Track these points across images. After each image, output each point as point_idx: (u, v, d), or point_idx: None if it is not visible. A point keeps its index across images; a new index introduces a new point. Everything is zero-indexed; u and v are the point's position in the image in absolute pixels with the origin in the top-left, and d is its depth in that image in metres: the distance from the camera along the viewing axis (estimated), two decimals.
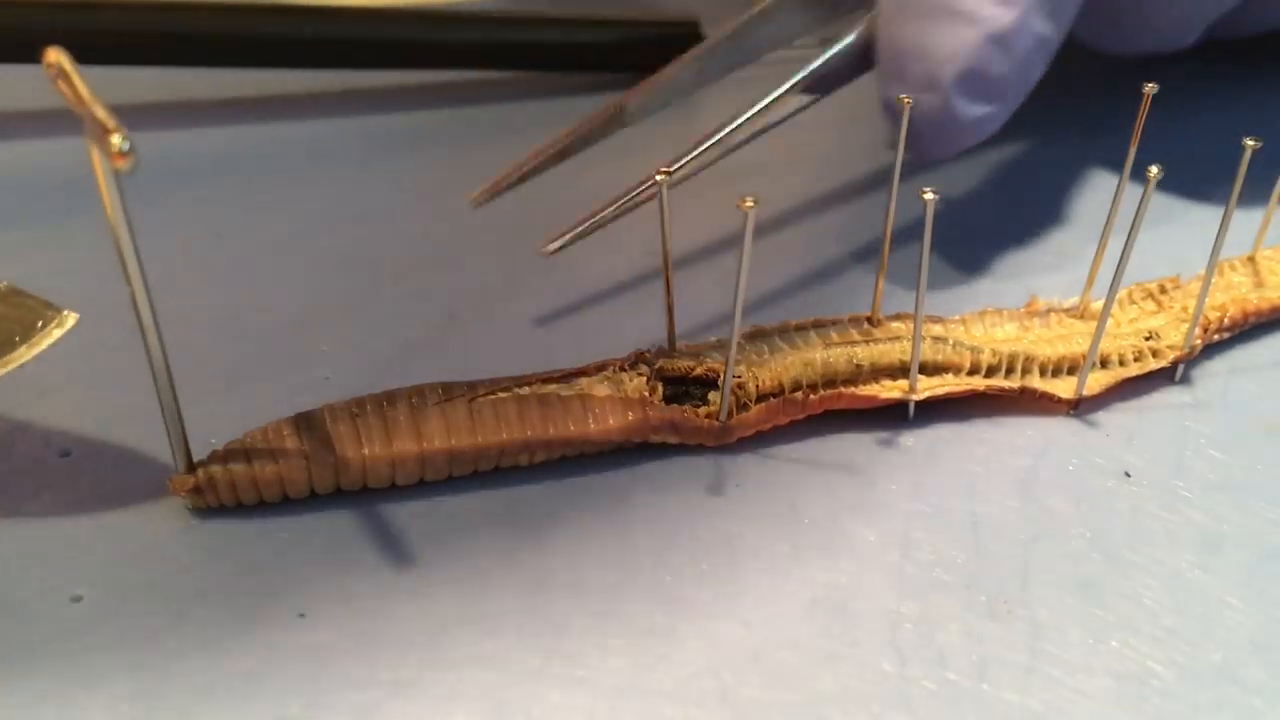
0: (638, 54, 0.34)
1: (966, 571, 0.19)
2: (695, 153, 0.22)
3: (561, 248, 0.20)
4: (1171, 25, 0.30)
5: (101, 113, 0.15)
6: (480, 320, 0.24)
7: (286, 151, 0.30)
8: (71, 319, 0.19)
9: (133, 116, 0.31)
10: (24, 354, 0.18)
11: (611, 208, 0.22)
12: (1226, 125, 0.33)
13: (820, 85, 0.23)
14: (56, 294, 0.19)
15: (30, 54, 0.28)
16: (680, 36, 0.34)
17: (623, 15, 0.34)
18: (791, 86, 0.23)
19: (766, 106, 0.23)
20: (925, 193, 0.19)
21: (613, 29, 0.33)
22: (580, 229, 0.21)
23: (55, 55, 0.15)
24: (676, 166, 0.22)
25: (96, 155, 0.15)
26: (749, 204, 0.18)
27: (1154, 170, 0.20)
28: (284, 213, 0.27)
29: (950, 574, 0.19)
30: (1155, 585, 0.19)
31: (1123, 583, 0.19)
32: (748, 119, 0.22)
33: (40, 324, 0.19)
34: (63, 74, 0.15)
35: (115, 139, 0.14)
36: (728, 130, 0.22)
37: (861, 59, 0.24)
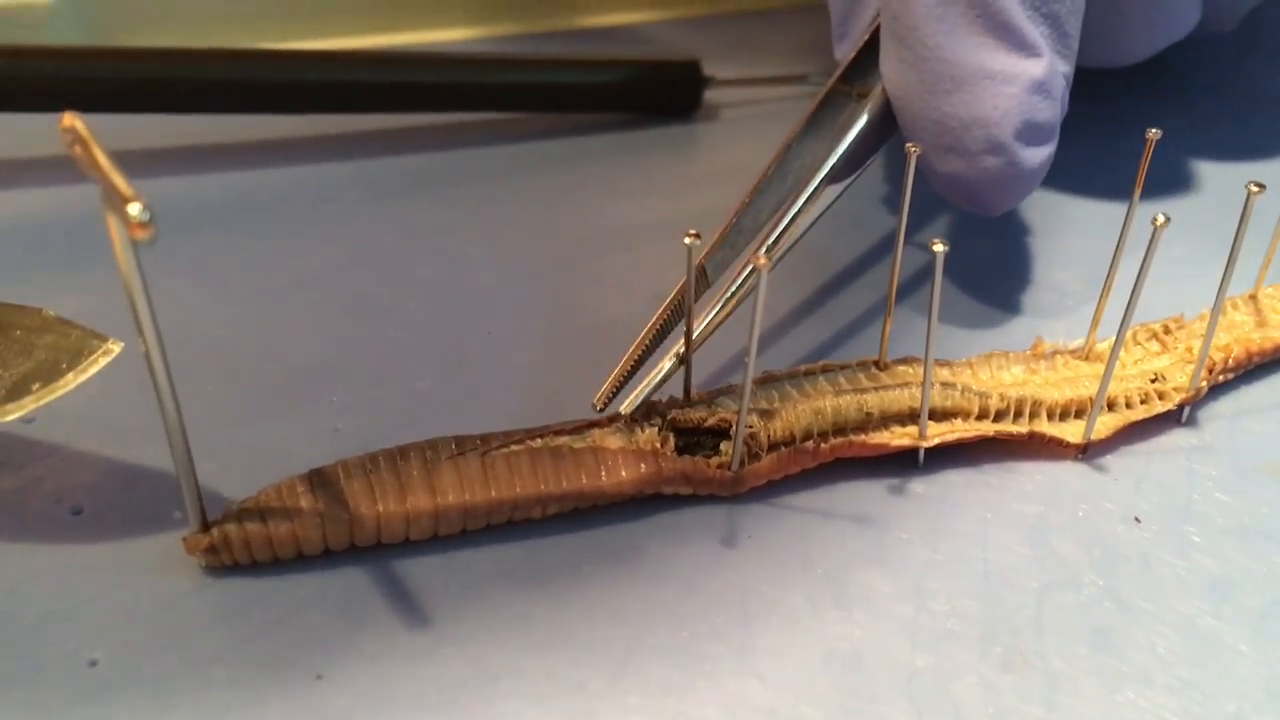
0: (640, 94, 0.34)
1: (981, 622, 0.19)
2: (739, 280, 0.22)
3: (609, 399, 0.21)
4: (1152, 33, 0.30)
5: (120, 181, 0.14)
6: (490, 367, 0.24)
7: (293, 197, 0.30)
8: (117, 347, 0.19)
9: (138, 163, 0.31)
10: (71, 380, 0.18)
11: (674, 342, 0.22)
12: (1228, 166, 0.33)
13: (846, 170, 0.24)
14: None
15: (42, 103, 0.28)
16: (681, 77, 0.34)
17: (624, 56, 0.34)
18: (820, 181, 0.24)
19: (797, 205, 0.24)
20: (935, 244, 0.19)
21: (615, 70, 0.33)
22: (622, 373, 0.21)
23: (71, 120, 0.15)
24: (726, 293, 0.22)
25: (113, 222, 0.15)
26: (763, 261, 0.18)
27: (1160, 219, 0.20)
28: (291, 260, 0.27)
29: (964, 625, 0.19)
30: (1168, 633, 0.19)
31: (1136, 631, 0.19)
32: (786, 225, 0.23)
33: (86, 352, 0.19)
34: (79, 140, 0.15)
35: (133, 208, 0.14)
36: (769, 238, 0.23)
37: (878, 134, 0.25)
